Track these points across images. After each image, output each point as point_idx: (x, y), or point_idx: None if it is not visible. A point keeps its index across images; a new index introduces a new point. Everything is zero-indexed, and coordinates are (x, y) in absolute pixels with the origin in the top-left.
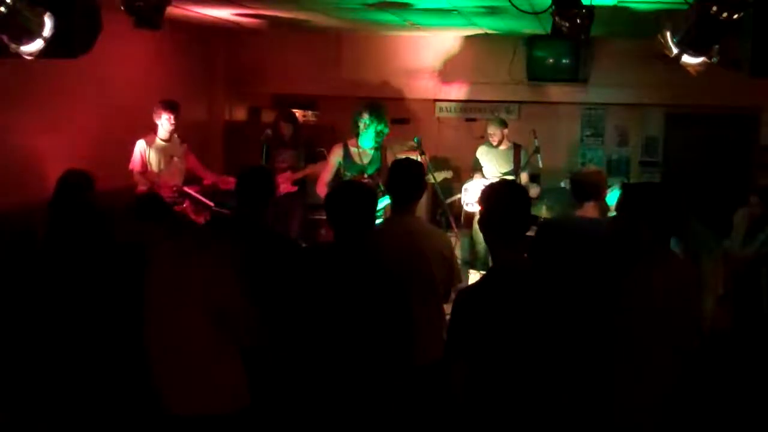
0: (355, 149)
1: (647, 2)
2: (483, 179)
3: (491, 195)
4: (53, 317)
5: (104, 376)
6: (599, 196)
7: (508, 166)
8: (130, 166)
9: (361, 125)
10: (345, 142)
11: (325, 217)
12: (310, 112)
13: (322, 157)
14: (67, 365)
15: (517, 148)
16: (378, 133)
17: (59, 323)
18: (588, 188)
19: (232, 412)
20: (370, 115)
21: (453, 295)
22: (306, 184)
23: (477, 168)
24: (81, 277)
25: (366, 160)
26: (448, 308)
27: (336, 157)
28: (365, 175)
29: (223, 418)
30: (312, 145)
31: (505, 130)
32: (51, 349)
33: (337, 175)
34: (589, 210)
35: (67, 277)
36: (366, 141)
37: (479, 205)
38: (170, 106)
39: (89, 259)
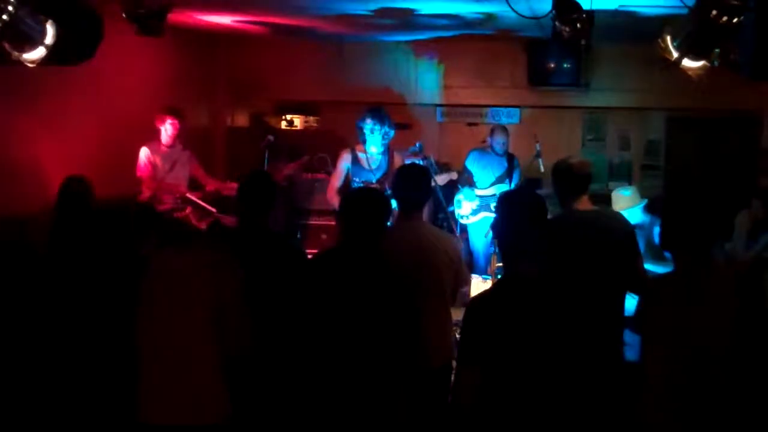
0: (363, 155)
1: (647, 7)
2: (475, 188)
3: (506, 202)
4: (58, 324)
5: (104, 383)
6: (588, 188)
7: (500, 171)
8: (138, 173)
9: (366, 131)
10: (353, 147)
11: (321, 222)
12: (312, 118)
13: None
14: (68, 372)
15: (509, 155)
16: (384, 136)
17: (64, 330)
18: (584, 180)
19: (218, 423)
20: (373, 119)
21: (459, 298)
22: (293, 186)
23: (468, 176)
24: (87, 284)
25: (374, 166)
26: (454, 311)
27: (344, 162)
28: (373, 183)
29: (207, 429)
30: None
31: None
32: (53, 355)
33: (346, 181)
34: (584, 203)
35: (73, 283)
36: (373, 146)
37: (495, 212)
38: (173, 112)
39: (94, 266)
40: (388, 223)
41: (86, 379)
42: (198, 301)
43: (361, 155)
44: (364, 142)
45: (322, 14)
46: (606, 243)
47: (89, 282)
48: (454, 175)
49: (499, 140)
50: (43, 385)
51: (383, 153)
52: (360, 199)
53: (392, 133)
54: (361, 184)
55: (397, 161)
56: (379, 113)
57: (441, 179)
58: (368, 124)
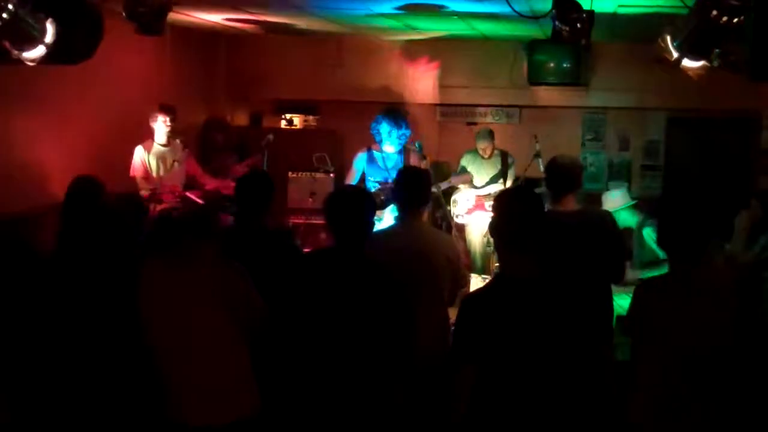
0: (379, 154)
1: (647, 7)
2: (471, 189)
3: (503, 202)
4: (67, 324)
5: (116, 382)
6: (579, 186)
7: (494, 171)
8: (131, 173)
9: (384, 133)
10: (369, 147)
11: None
12: (311, 117)
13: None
14: (78, 372)
15: (503, 154)
16: (401, 137)
17: (71, 331)
18: (571, 179)
19: (246, 419)
20: (389, 122)
21: (458, 300)
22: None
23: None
24: (96, 285)
25: (390, 165)
26: (452, 312)
27: (360, 161)
28: (389, 182)
29: (238, 425)
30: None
31: (494, 141)
32: (61, 356)
33: (361, 180)
34: (569, 202)
35: (83, 284)
36: (390, 146)
37: (493, 211)
38: (166, 109)
39: (105, 265)
40: (376, 219)
41: (95, 380)
42: (212, 304)
43: (377, 154)
44: (380, 142)
45: (343, 14)
46: (585, 244)
47: (99, 282)
48: (462, 180)
49: (479, 144)
50: (52, 387)
51: (399, 152)
52: (340, 200)
53: (409, 133)
54: (377, 184)
55: (413, 160)
56: (395, 116)
57: (443, 185)
58: (384, 126)
